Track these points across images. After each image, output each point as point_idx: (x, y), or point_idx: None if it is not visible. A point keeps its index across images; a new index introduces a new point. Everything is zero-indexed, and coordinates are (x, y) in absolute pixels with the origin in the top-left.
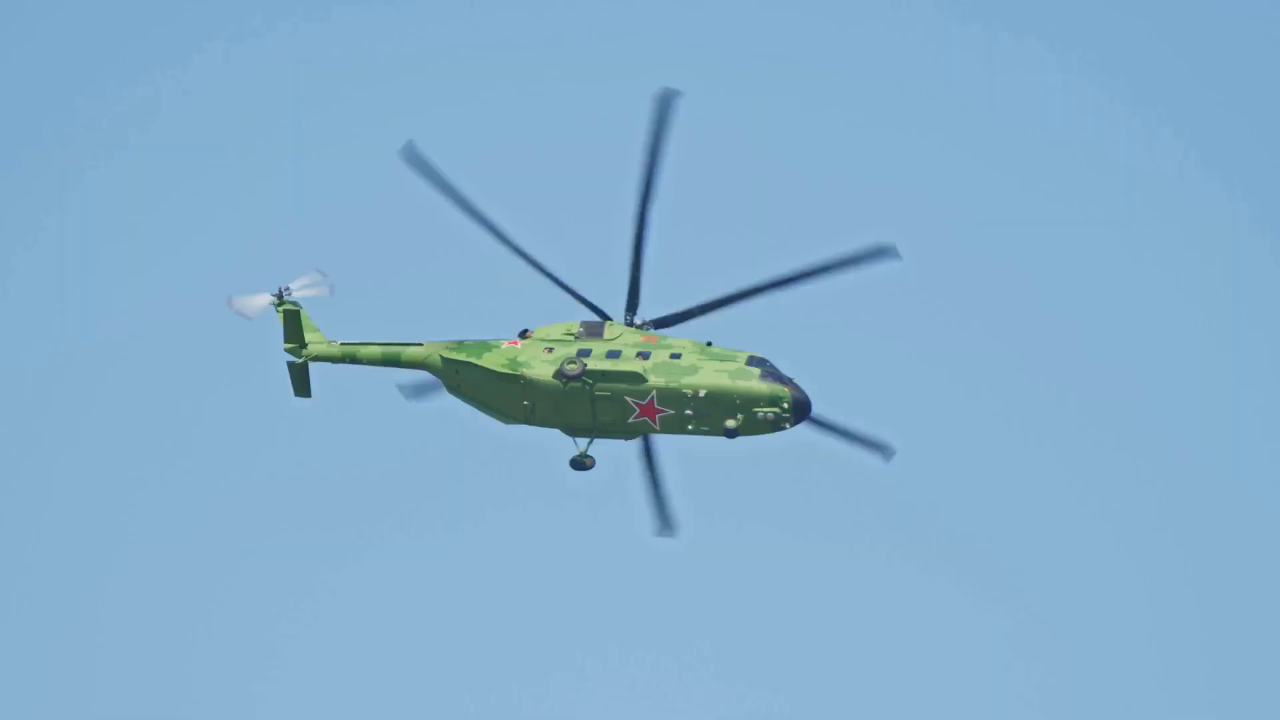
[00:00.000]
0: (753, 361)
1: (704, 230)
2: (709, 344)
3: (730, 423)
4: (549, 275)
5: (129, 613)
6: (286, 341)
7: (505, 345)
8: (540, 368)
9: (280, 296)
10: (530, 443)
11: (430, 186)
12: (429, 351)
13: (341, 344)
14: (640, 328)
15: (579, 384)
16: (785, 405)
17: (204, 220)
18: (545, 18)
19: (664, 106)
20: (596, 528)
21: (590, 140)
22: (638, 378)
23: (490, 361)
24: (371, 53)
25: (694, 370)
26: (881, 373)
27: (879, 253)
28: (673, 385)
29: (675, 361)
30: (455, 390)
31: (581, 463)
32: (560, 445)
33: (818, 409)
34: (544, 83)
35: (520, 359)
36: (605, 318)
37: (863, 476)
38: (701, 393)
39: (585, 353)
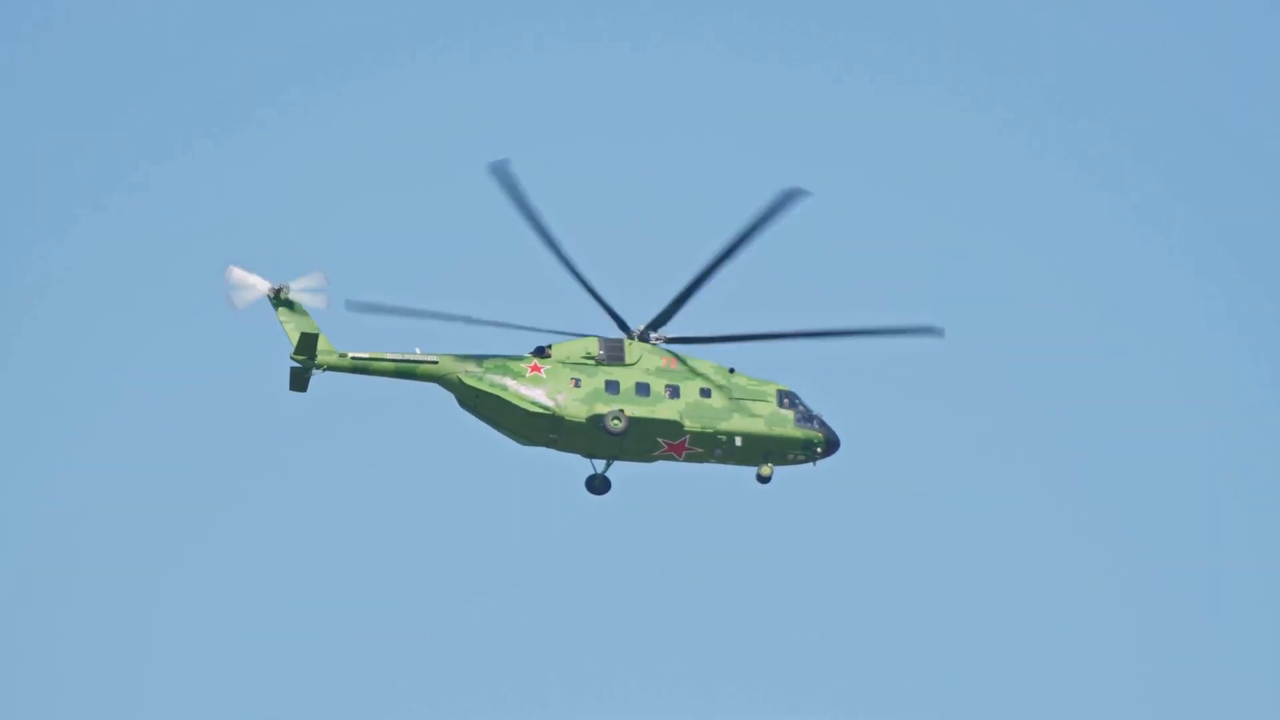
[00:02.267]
0: (781, 397)
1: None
2: (731, 371)
3: (764, 471)
4: (581, 279)
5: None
6: (296, 352)
7: (528, 372)
8: (574, 408)
9: (277, 293)
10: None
11: (512, 205)
12: (447, 370)
13: (352, 356)
14: (654, 343)
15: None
16: (818, 450)
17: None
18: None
19: (784, 201)
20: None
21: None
22: (677, 428)
23: (519, 399)
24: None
25: (729, 416)
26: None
27: (924, 330)
28: (709, 431)
29: (708, 404)
30: (470, 408)
31: (598, 486)
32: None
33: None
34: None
35: (549, 395)
36: (624, 328)
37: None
38: (738, 440)
39: (613, 385)
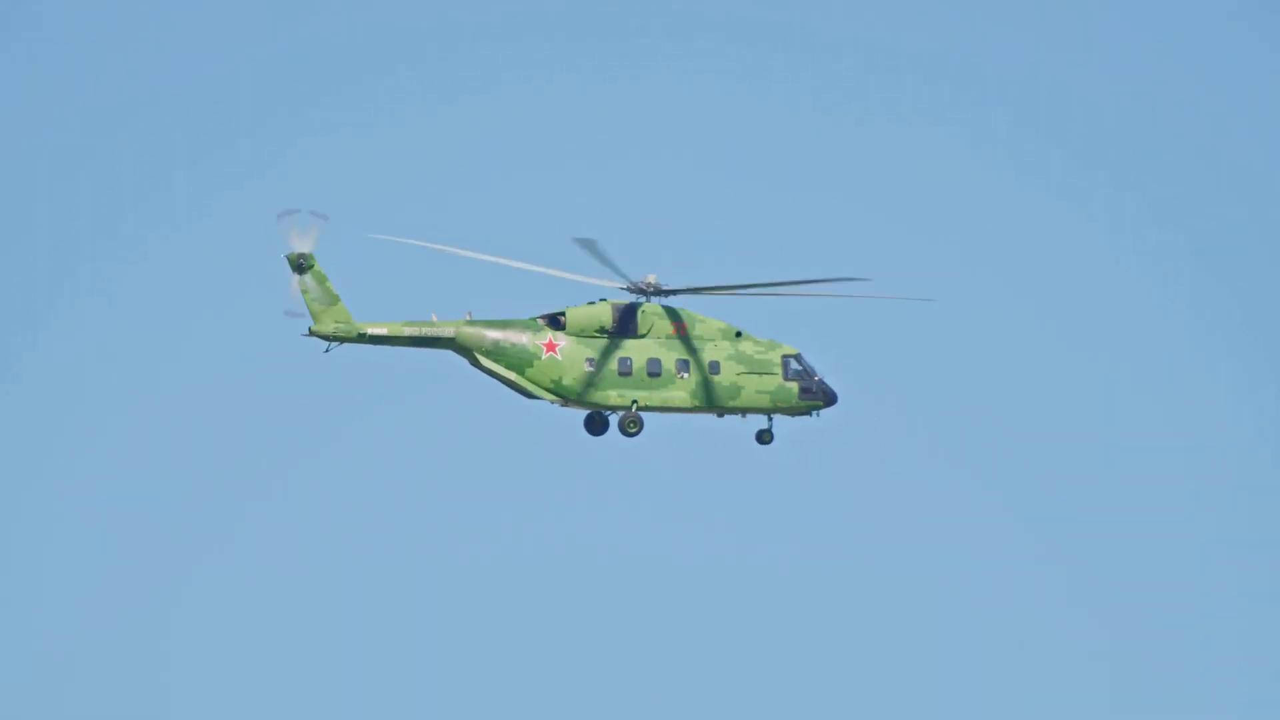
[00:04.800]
0: (788, 365)
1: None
2: (739, 334)
3: (765, 437)
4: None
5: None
6: (316, 323)
7: (544, 353)
8: (588, 393)
9: (300, 261)
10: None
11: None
12: (463, 342)
13: (371, 332)
14: (664, 293)
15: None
16: (818, 413)
17: None
18: None
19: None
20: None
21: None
22: (685, 408)
23: (534, 388)
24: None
25: (736, 394)
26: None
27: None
28: (716, 406)
29: (717, 381)
30: (484, 371)
31: (598, 426)
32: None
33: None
34: None
35: (565, 381)
36: (638, 289)
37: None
38: (744, 416)
39: (625, 365)
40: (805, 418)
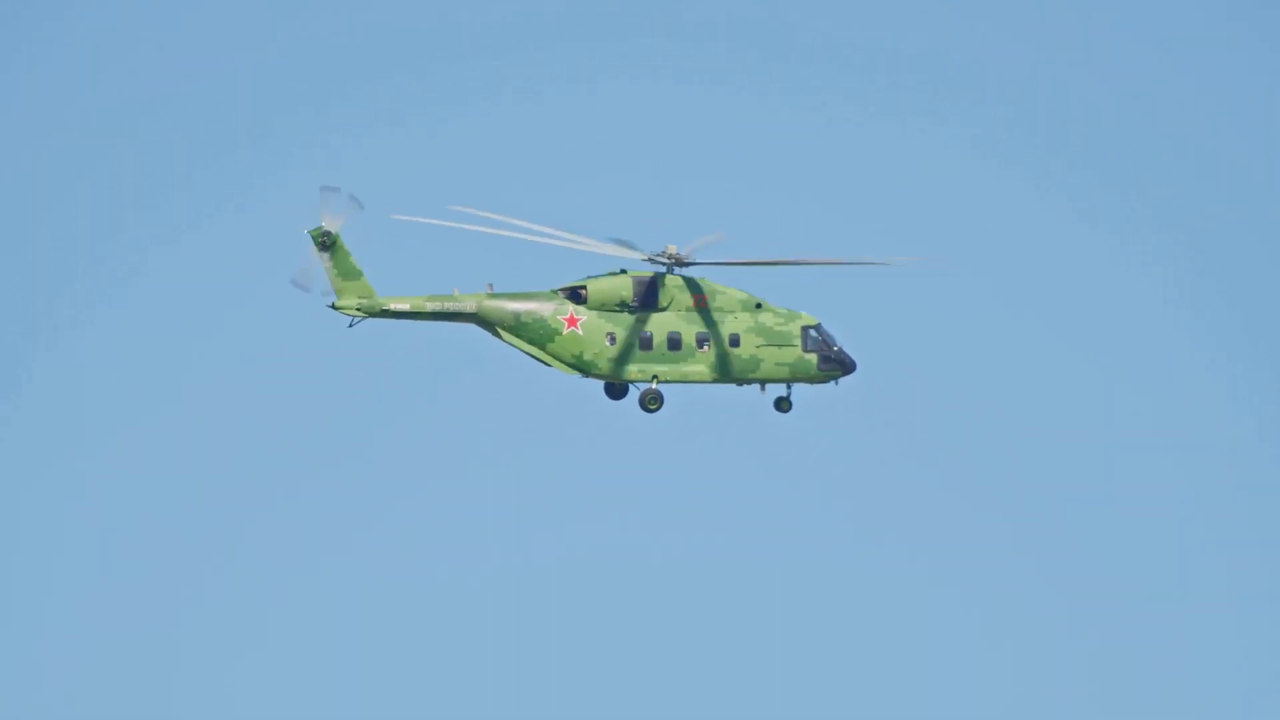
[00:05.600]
0: (807, 336)
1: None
2: (759, 305)
3: (784, 405)
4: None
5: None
6: (340, 297)
7: (565, 328)
8: (608, 368)
9: (323, 242)
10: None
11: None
12: (484, 316)
13: (394, 307)
14: (686, 264)
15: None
16: (836, 382)
17: None
18: None
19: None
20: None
21: None
22: (705, 380)
23: (555, 363)
24: None
25: (755, 366)
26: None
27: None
28: (736, 378)
29: (737, 354)
30: (505, 340)
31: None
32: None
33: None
34: None
35: (586, 356)
36: (659, 260)
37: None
38: (764, 388)
39: (646, 341)
40: (825, 386)
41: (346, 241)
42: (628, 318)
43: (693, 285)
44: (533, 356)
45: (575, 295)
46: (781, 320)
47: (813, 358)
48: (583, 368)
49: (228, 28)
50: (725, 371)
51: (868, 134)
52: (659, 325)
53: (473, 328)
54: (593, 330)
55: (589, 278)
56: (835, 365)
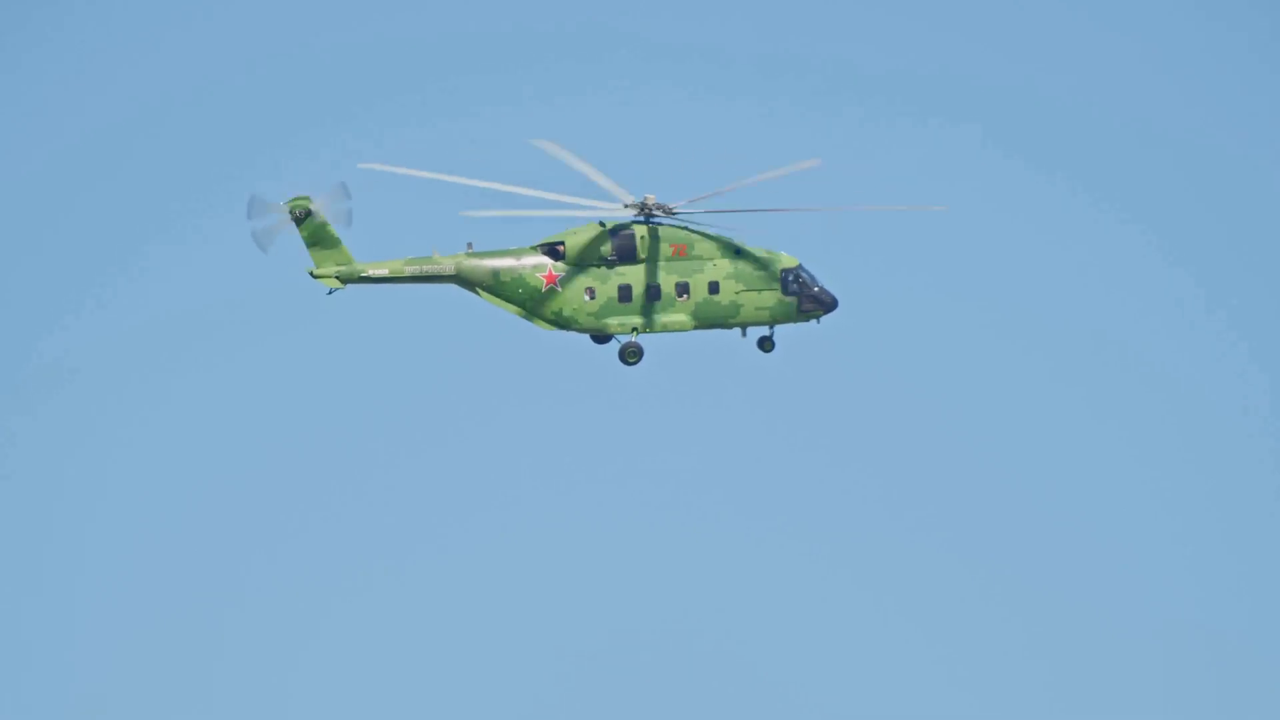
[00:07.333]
0: (787, 279)
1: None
2: (739, 251)
3: (766, 345)
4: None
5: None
6: (318, 266)
7: (544, 285)
8: (588, 322)
9: (299, 216)
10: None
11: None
12: (464, 276)
13: (372, 273)
14: (666, 211)
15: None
16: (818, 321)
17: None
18: None
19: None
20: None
21: None
22: (685, 327)
23: (536, 321)
24: None
25: (735, 311)
26: None
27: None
28: (717, 324)
29: (716, 300)
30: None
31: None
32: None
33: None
34: None
35: (566, 312)
36: (637, 208)
37: None
38: (744, 332)
39: (626, 292)
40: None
41: (327, 218)
42: (606, 271)
43: (671, 234)
44: (515, 314)
45: (553, 251)
46: (761, 264)
47: (792, 301)
48: (563, 324)
49: (228, 27)
50: (705, 318)
51: (868, 133)
52: (637, 276)
53: (453, 288)
54: (571, 286)
55: (567, 230)
56: (816, 305)
